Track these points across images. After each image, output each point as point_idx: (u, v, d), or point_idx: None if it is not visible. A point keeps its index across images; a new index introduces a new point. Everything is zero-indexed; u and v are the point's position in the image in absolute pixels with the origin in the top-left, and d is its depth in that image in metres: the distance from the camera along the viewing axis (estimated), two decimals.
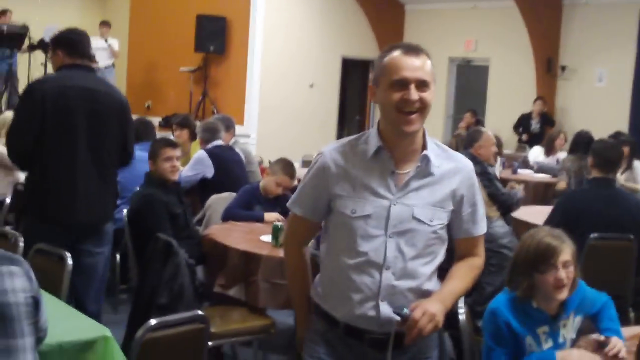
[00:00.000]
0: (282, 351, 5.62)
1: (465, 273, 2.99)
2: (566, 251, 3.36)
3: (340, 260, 2.85)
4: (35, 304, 2.87)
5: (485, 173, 6.77)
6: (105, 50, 13.77)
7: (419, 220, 2.82)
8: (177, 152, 5.72)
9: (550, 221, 5.61)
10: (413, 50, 2.78)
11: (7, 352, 2.74)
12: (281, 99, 14.41)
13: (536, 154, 10.79)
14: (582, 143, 8.65)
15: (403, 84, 2.72)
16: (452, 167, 2.89)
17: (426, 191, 2.84)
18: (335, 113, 15.51)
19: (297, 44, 14.67)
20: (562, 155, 10.13)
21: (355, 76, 16.24)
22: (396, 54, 2.77)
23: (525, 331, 3.38)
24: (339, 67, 15.43)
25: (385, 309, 2.80)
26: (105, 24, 13.97)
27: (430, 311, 2.71)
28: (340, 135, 15.82)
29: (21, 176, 7.10)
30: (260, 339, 4.97)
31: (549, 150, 10.63)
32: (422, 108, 2.76)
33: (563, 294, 3.34)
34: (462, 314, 3.87)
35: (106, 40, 13.86)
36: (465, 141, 7.75)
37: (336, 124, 15.58)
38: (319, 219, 2.97)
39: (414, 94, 2.72)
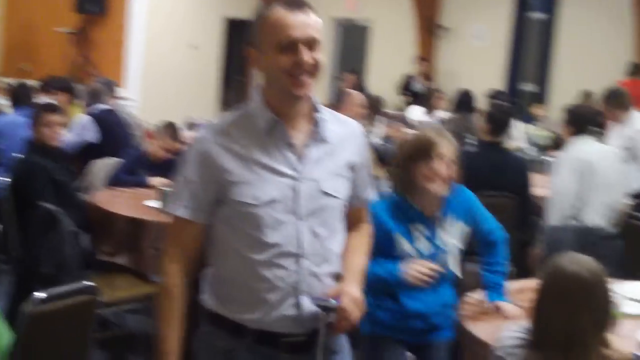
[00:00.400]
0: None
1: (364, 245, 2.71)
2: (445, 146, 3.32)
3: (244, 257, 2.43)
4: None
5: None
6: None
7: (329, 195, 2.49)
8: (59, 118, 5.56)
9: None
10: (297, 4, 2.39)
11: None
12: (163, 62, 14.17)
13: (416, 113, 10.94)
14: (464, 102, 8.82)
15: (292, 45, 2.35)
16: (344, 131, 2.59)
17: (327, 160, 2.50)
18: (216, 74, 15.37)
19: (178, 4, 14.42)
20: (442, 114, 10.32)
21: (237, 37, 16.09)
22: (278, 10, 2.37)
23: (396, 226, 3.35)
24: (221, 27, 15.26)
25: (307, 304, 2.45)
26: None
27: (355, 296, 2.47)
28: (222, 97, 15.70)
29: None
30: (147, 306, 4.93)
31: (429, 109, 10.81)
32: (316, 69, 2.42)
33: (438, 188, 3.30)
34: None
35: None
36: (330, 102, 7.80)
37: (218, 85, 15.44)
38: (206, 220, 2.49)
39: (307, 56, 2.37)
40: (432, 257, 3.38)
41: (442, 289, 3.48)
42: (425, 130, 3.46)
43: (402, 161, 3.38)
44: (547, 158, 8.80)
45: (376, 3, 14.81)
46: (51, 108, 5.63)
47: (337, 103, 7.15)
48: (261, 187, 2.40)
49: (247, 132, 2.45)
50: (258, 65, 2.46)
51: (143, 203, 5.28)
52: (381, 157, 6.22)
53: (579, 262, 2.38)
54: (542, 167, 8.53)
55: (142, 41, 13.89)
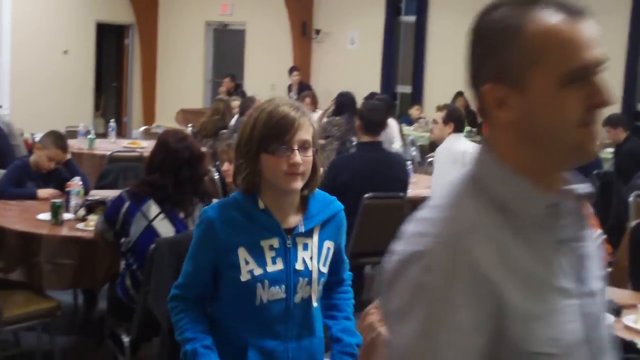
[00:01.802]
0: (67, 332, 5.43)
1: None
2: (306, 127, 2.50)
3: None
4: None
5: None
6: None
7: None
8: None
9: (325, 187, 5.78)
10: (579, 11, 1.36)
11: None
12: (34, 67, 13.79)
13: None
14: (345, 104, 8.88)
15: (584, 74, 1.34)
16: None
17: None
18: (91, 80, 15.03)
19: (48, 8, 14.09)
20: (316, 115, 10.38)
21: (110, 42, 15.81)
22: (557, 18, 1.34)
23: (240, 240, 2.52)
24: (93, 32, 14.94)
25: None
26: None
27: None
28: (97, 104, 15.37)
29: None
30: (44, 322, 4.76)
31: None
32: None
33: (296, 184, 2.49)
34: None
35: None
36: (242, 108, 7.81)
37: (93, 91, 15.10)
38: None
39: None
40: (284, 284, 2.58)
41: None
42: (278, 102, 2.55)
43: (249, 148, 2.51)
44: (427, 157, 9.00)
45: (250, 7, 14.80)
46: None
47: (246, 108, 7.19)
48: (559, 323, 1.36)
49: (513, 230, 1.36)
50: (513, 111, 1.37)
51: (35, 216, 5.09)
52: None
53: None
54: (422, 167, 8.72)
55: (8, 46, 13.44)
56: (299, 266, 2.58)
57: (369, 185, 5.84)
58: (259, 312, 2.55)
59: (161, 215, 4.33)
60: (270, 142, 2.48)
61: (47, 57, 14.04)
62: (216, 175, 6.85)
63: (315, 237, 2.64)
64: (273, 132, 2.47)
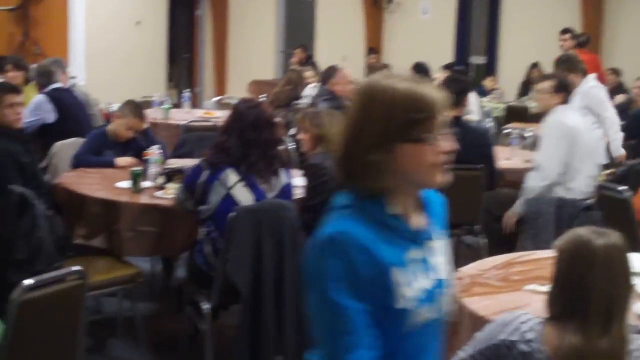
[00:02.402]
0: (148, 299, 5.49)
1: None
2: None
3: None
4: None
5: (340, 107, 6.82)
6: None
7: None
8: (21, 98, 5.41)
9: None
10: None
11: None
12: (108, 39, 13.89)
13: None
14: (420, 75, 8.79)
15: None
16: None
17: None
18: (164, 51, 15.10)
19: None
20: None
21: (182, 12, 15.87)
22: None
23: (386, 259, 1.93)
24: (165, 3, 14.99)
25: None
26: None
27: None
28: (171, 75, 15.46)
29: None
30: (125, 289, 4.82)
31: None
32: None
33: (446, 177, 2.00)
34: None
35: None
36: (322, 78, 7.79)
37: (165, 62, 15.19)
38: None
39: None
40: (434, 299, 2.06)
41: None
42: (405, 78, 2.00)
43: (379, 136, 1.94)
44: (504, 130, 8.87)
45: None
46: (12, 89, 5.45)
47: (327, 78, 7.20)
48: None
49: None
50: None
51: (114, 184, 5.14)
52: None
53: (604, 231, 2.35)
54: (499, 138, 8.59)
55: (85, 18, 13.58)
56: (440, 275, 2.07)
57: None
58: (413, 338, 2.01)
59: (240, 183, 4.34)
60: (415, 129, 1.93)
61: (120, 28, 14.15)
62: (291, 145, 6.86)
63: (439, 236, 2.12)
64: (418, 115, 1.92)
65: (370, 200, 1.97)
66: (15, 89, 5.43)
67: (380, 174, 1.95)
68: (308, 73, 9.63)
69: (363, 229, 1.92)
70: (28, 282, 3.21)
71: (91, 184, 5.21)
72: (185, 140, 6.83)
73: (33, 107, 6.79)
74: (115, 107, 6.37)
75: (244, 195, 4.33)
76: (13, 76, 7.49)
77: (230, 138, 4.39)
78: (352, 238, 1.89)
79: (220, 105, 10.23)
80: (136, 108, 5.94)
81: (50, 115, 6.78)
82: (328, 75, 7.40)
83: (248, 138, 4.37)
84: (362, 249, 1.89)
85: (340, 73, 7.36)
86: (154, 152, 5.42)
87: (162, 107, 8.59)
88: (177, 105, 9.69)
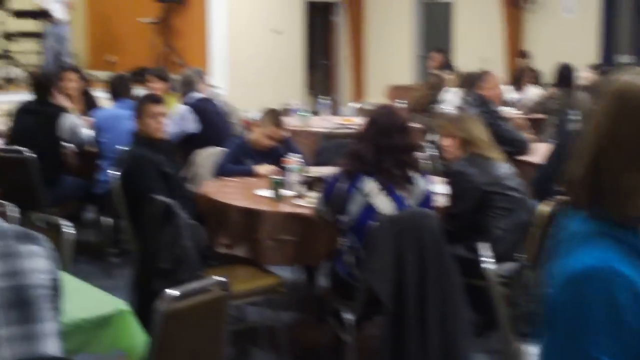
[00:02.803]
0: (290, 308, 5.47)
1: None
2: None
3: None
4: (56, 286, 2.68)
5: (491, 111, 6.70)
6: (60, 4, 13.15)
7: None
8: (163, 109, 5.51)
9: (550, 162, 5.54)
10: None
11: (28, 339, 2.55)
12: (247, 47, 14.09)
13: (506, 91, 10.64)
14: (565, 77, 8.53)
15: None
16: None
17: None
18: (302, 58, 15.19)
19: None
20: (534, 91, 10.01)
21: (319, 20, 15.94)
22: None
23: None
24: (302, 11, 15.08)
25: None
26: None
27: None
28: (309, 82, 15.55)
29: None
30: (268, 298, 4.81)
31: (519, 87, 10.51)
32: None
33: None
34: (486, 261, 3.69)
35: None
36: (467, 82, 7.67)
37: (303, 69, 15.27)
38: None
39: None
40: None
41: None
42: None
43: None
44: None
45: None
46: (155, 99, 5.58)
47: (477, 82, 7.12)
48: None
49: None
50: None
51: (254, 192, 5.15)
52: (500, 136, 5.90)
53: None
54: None
55: (225, 28, 13.82)
56: None
57: None
58: None
59: (379, 191, 4.26)
60: None
61: (259, 36, 14.32)
62: (431, 151, 6.73)
63: None
64: None
65: (623, 228, 1.58)
66: (157, 100, 5.54)
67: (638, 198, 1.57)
68: (447, 77, 9.47)
69: (627, 265, 1.52)
70: (173, 292, 3.22)
71: (233, 192, 5.24)
72: (325, 148, 6.80)
73: (176, 117, 6.91)
74: (254, 115, 6.41)
75: (384, 204, 4.25)
76: (155, 87, 7.66)
77: (364, 145, 4.35)
78: (619, 277, 1.50)
79: (360, 111, 10.17)
80: (276, 117, 5.95)
81: (192, 125, 6.88)
82: (477, 79, 7.29)
83: (381, 144, 4.30)
84: (632, 291, 1.49)
85: (489, 77, 7.25)
86: (294, 160, 5.40)
87: (302, 114, 8.59)
88: (316, 112, 9.69)
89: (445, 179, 4.98)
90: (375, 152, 4.28)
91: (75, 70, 8.17)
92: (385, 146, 4.29)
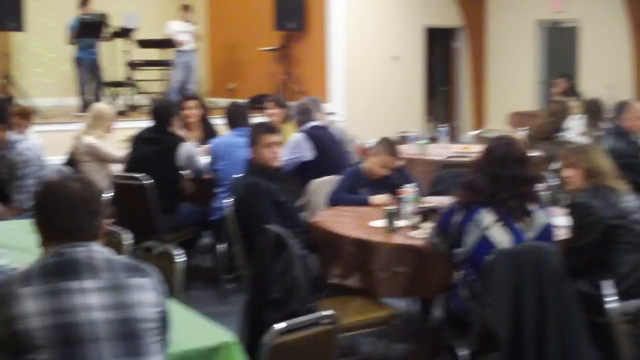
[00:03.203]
0: (402, 339, 5.35)
1: None
2: None
3: None
4: (164, 319, 2.66)
5: (631, 143, 6.51)
6: (189, 34, 13.56)
7: None
8: (278, 138, 5.51)
9: None
10: None
11: None
12: (365, 74, 14.08)
13: None
14: None
15: None
16: None
17: None
18: (421, 85, 15.07)
19: (378, 15, 14.28)
20: None
21: (438, 46, 15.80)
22: None
23: None
24: (422, 37, 14.97)
25: None
26: (187, 8, 13.70)
27: None
28: (428, 109, 15.42)
29: (116, 168, 6.98)
30: (380, 330, 4.71)
31: None
32: None
33: None
34: (609, 298, 3.51)
35: (189, 24, 13.59)
36: (593, 109, 7.47)
37: (423, 96, 15.15)
38: None
39: None
40: None
41: None
42: None
43: None
44: None
45: (584, 3, 14.04)
46: (270, 129, 5.58)
47: (619, 113, 7.02)
48: None
49: None
50: None
51: (368, 223, 5.06)
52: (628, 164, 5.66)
53: None
54: None
55: (343, 54, 13.85)
56: None
57: None
58: None
59: (496, 224, 4.11)
60: None
61: (377, 63, 14.29)
62: (554, 181, 6.51)
63: None
64: None
65: None
66: (272, 129, 5.54)
67: None
68: (573, 103, 9.18)
69: None
70: (280, 326, 3.20)
71: (346, 222, 5.17)
72: (442, 176, 6.65)
73: (292, 145, 6.90)
74: (371, 143, 6.34)
75: (500, 236, 4.10)
76: (273, 113, 7.69)
77: (479, 175, 4.22)
78: None
79: (479, 139, 9.97)
80: (390, 146, 5.86)
81: (308, 153, 6.85)
82: (619, 110, 7.13)
83: (496, 175, 4.16)
84: None
85: (631, 107, 7.08)
86: (409, 190, 5.29)
87: (419, 142, 8.48)
88: (434, 140, 9.55)
89: (567, 211, 4.78)
90: (492, 182, 4.14)
91: (196, 98, 8.28)
92: (501, 177, 4.14)
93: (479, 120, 15.50)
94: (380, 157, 5.84)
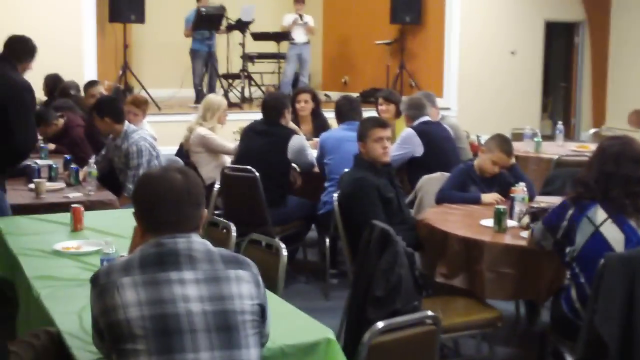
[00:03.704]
0: (507, 343, 5.23)
1: None
2: None
3: None
4: (262, 312, 2.65)
5: None
6: (302, 27, 13.65)
7: None
8: (388, 133, 5.46)
9: None
10: None
11: None
12: (481, 69, 13.87)
13: None
14: None
15: None
16: None
17: None
18: (539, 81, 14.72)
19: (496, 8, 14.04)
20: None
21: (559, 41, 15.41)
22: None
23: None
24: (541, 31, 14.62)
25: None
26: (299, 1, 13.80)
27: None
28: (544, 105, 15.08)
29: (228, 160, 7.05)
30: (485, 332, 4.60)
31: None
32: None
33: None
34: None
35: (301, 17, 13.67)
36: None
37: (540, 92, 14.80)
38: None
39: None
40: None
41: None
42: None
43: None
44: None
45: None
46: (380, 123, 5.54)
47: None
48: None
49: None
50: None
51: (479, 223, 4.95)
52: None
53: None
54: None
55: (460, 49, 13.68)
56: None
57: None
58: None
59: (608, 220, 3.99)
60: None
61: (494, 57, 14.04)
62: None
63: None
64: None
65: None
66: (382, 123, 5.49)
67: None
68: None
69: None
70: (381, 324, 3.16)
71: (454, 220, 5.07)
72: (556, 175, 6.46)
73: (401, 141, 6.82)
74: (484, 139, 6.20)
75: (613, 234, 3.97)
76: (384, 109, 7.62)
77: (591, 172, 4.13)
78: None
79: (597, 137, 9.67)
80: (503, 142, 5.72)
81: (418, 148, 6.76)
82: None
83: (608, 172, 4.07)
84: None
85: None
86: (520, 189, 5.16)
87: (534, 139, 8.27)
88: (551, 138, 9.30)
89: None
90: (603, 180, 4.05)
91: (308, 91, 8.29)
92: (611, 174, 4.05)
93: (599, 118, 15.03)
94: (492, 154, 5.70)
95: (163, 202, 2.62)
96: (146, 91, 11.87)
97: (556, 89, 15.56)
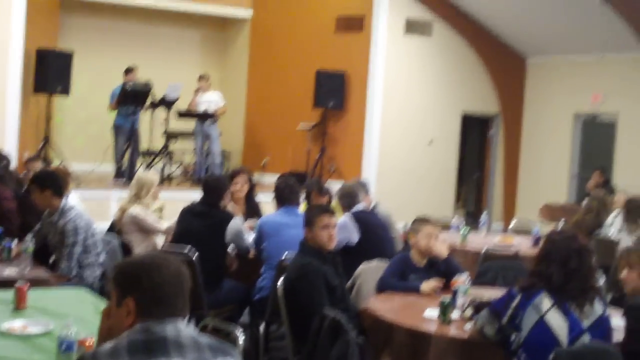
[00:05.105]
0: None
1: None
2: None
3: None
4: None
5: None
6: (207, 104, 13.40)
7: None
8: (334, 220, 5.51)
9: None
10: None
11: None
12: (399, 156, 14.14)
13: None
14: None
15: None
16: None
17: None
18: (454, 170, 15.08)
19: (417, 99, 14.41)
20: None
21: (474, 132, 15.86)
22: None
23: None
24: (458, 123, 15.04)
25: None
26: (201, 77, 13.53)
27: None
28: (459, 194, 15.40)
29: (159, 241, 6.99)
30: None
31: None
32: None
33: None
34: None
35: (207, 94, 13.51)
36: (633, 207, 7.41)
37: (455, 182, 15.15)
38: None
39: None
40: None
41: None
42: None
43: None
44: None
45: (624, 96, 14.00)
46: (327, 210, 5.59)
47: None
48: None
49: None
50: None
51: (423, 314, 4.99)
52: None
53: None
54: None
55: (380, 135, 13.94)
56: None
57: None
58: None
59: (553, 308, 4.15)
60: None
61: (412, 146, 14.34)
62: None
63: None
64: None
65: None
66: (329, 211, 5.55)
67: None
68: (613, 200, 9.13)
69: None
70: None
71: (398, 310, 5.11)
72: (487, 268, 6.61)
73: (338, 228, 6.84)
74: (406, 227, 6.27)
75: (557, 321, 4.13)
76: (319, 200, 7.63)
77: (550, 266, 4.24)
78: None
79: (517, 232, 9.82)
80: (424, 220, 5.84)
81: (354, 235, 6.81)
82: None
83: (572, 268, 4.22)
84: None
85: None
86: (462, 280, 5.25)
87: (460, 232, 8.40)
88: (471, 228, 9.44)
89: (622, 312, 4.71)
90: (565, 274, 4.20)
91: (246, 172, 8.20)
92: (575, 269, 4.22)
93: (509, 209, 15.43)
94: (421, 232, 5.76)
95: (169, 287, 2.65)
96: (65, 164, 11.63)
97: (470, 180, 15.93)
